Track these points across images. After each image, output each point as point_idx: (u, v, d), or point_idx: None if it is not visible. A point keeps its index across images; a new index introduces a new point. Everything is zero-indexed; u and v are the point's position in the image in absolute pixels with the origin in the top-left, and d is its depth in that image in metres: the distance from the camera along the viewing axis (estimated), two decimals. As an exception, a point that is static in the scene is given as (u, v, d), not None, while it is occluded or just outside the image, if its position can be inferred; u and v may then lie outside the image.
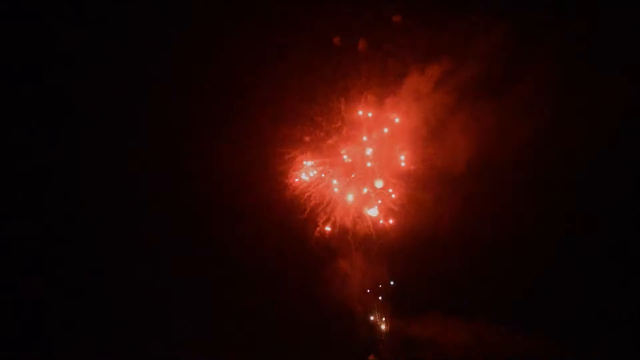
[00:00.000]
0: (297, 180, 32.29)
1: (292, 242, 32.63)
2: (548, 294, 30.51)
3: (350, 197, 32.69)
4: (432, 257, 31.65)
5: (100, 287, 31.93)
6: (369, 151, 32.37)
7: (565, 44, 28.39)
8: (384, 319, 32.77)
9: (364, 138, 32.18)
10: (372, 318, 32.88)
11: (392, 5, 30.23)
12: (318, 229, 32.57)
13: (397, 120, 31.68)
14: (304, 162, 32.22)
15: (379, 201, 32.54)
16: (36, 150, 31.76)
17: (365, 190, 32.63)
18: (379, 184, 32.43)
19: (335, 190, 32.67)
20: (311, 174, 32.39)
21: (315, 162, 32.35)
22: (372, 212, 32.67)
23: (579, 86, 28.76)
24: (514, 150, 29.77)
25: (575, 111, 29.11)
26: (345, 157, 32.41)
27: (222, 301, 32.34)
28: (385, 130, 32.04)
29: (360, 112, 31.86)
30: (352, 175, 32.61)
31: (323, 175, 32.46)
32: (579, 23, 28.06)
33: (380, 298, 32.92)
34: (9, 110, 31.50)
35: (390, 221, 32.44)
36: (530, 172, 30.68)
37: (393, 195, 32.35)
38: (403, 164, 32.15)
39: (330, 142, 32.04)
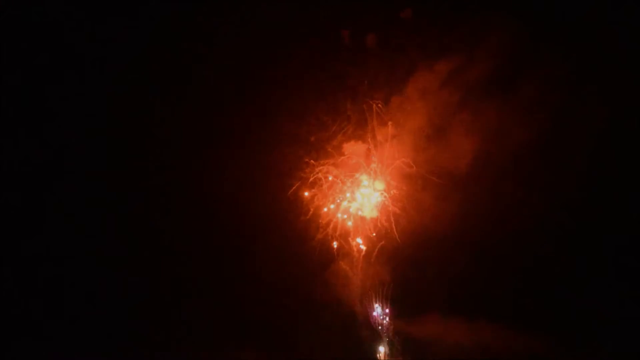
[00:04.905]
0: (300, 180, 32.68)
1: (295, 243, 32.81)
2: (548, 294, 30.73)
3: (352, 198, 33.04)
4: (433, 258, 31.88)
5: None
6: (373, 151, 32.78)
7: (569, 45, 29.02)
8: (386, 319, 32.94)
9: (369, 138, 32.64)
10: (374, 318, 33.05)
11: (397, 5, 30.92)
12: (320, 230, 32.85)
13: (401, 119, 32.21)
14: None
15: (381, 202, 32.87)
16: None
17: (367, 191, 32.99)
18: (380, 185, 32.79)
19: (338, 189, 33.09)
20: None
21: (319, 162, 32.72)
22: (374, 213, 32.94)
23: (582, 87, 29.29)
24: (515, 151, 30.30)
25: (578, 112, 29.53)
26: (349, 157, 32.72)
27: (225, 301, 32.51)
28: (390, 130, 32.49)
29: (365, 112, 32.40)
30: (356, 176, 32.99)
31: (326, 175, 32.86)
32: (583, 24, 28.70)
33: (381, 298, 33.16)
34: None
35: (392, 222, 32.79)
36: (530, 173, 31.14)
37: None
38: (406, 165, 32.46)
39: (335, 142, 32.44)
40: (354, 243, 33.18)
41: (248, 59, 31.95)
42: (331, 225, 32.98)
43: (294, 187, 32.51)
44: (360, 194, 33.16)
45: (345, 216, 33.24)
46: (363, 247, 33.08)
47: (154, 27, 31.79)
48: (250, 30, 31.68)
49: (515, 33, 28.88)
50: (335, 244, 33.01)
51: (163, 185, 32.56)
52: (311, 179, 32.61)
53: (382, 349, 32.70)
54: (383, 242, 32.74)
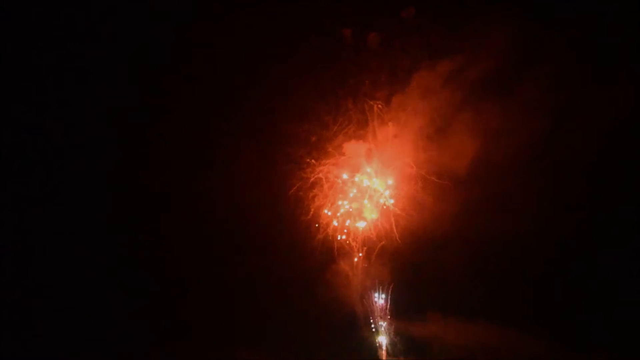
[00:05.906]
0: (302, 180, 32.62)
1: (295, 243, 32.80)
2: (548, 294, 30.78)
3: (353, 198, 33.04)
4: (433, 258, 31.89)
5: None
6: (373, 151, 32.76)
7: (571, 45, 29.08)
8: (387, 318, 33.02)
9: (370, 138, 32.60)
10: (374, 318, 33.13)
11: (398, 5, 30.94)
12: (321, 230, 32.84)
13: (402, 119, 32.17)
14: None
15: (381, 202, 32.88)
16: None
17: (368, 191, 33.01)
18: (381, 185, 32.80)
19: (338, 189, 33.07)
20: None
21: (320, 162, 32.69)
22: (374, 213, 32.94)
23: (584, 87, 29.37)
24: (516, 151, 30.29)
25: (579, 112, 29.56)
26: (350, 157, 32.72)
27: (225, 301, 32.51)
28: (391, 130, 32.50)
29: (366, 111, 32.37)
30: (356, 176, 33.02)
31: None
32: (584, 24, 28.75)
33: (381, 298, 33.16)
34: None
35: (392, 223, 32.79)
36: (531, 174, 31.09)
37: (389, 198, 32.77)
38: (407, 165, 32.49)
39: (336, 141, 32.45)
40: (354, 243, 33.20)
41: (249, 59, 31.94)
42: (332, 226, 33.00)
43: (294, 187, 32.55)
44: (360, 194, 33.16)
45: (346, 217, 33.22)
46: (363, 248, 33.14)
47: (155, 27, 31.70)
48: (251, 30, 31.62)
49: (516, 33, 28.94)
50: (335, 245, 33.04)
51: (163, 186, 32.55)
52: (312, 179, 32.66)
53: (382, 349, 32.72)
54: (383, 242, 32.79)
